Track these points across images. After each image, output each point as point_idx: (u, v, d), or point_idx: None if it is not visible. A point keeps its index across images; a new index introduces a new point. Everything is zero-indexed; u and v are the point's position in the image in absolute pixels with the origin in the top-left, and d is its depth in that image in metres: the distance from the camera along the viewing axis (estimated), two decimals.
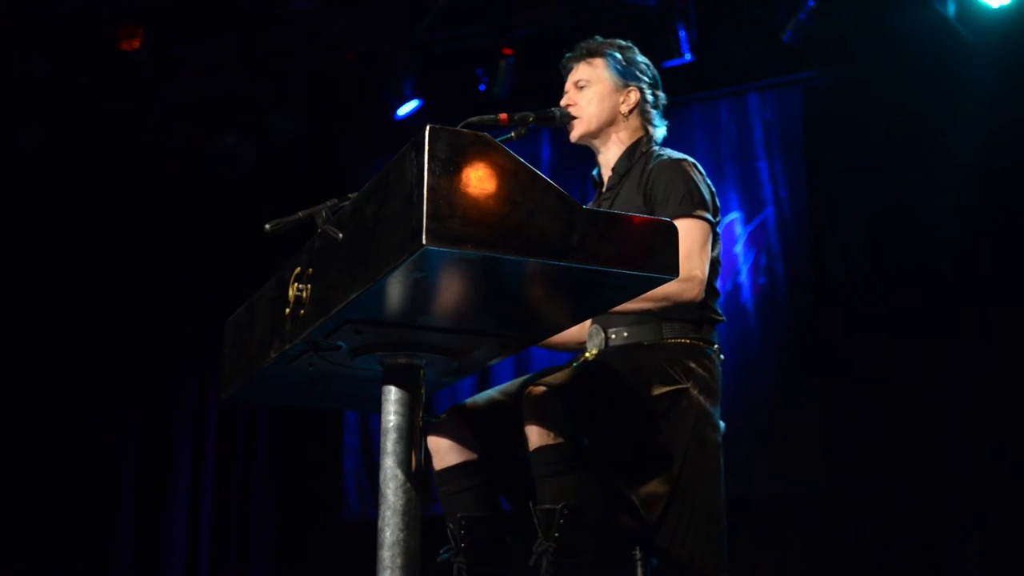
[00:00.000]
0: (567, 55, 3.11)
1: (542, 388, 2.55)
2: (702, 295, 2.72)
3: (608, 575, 2.67)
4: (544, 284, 2.00)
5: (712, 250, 2.87)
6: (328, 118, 6.92)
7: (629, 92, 3.03)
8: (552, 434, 2.51)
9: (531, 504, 2.51)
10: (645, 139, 3.04)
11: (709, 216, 2.80)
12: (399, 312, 2.08)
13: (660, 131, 3.09)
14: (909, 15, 5.60)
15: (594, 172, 3.14)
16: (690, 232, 2.70)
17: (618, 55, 3.03)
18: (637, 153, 3.00)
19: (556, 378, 2.60)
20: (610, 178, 3.04)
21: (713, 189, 2.92)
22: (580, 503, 2.47)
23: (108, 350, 7.07)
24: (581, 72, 3.05)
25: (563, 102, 3.05)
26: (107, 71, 6.37)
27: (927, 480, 5.29)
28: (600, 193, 3.09)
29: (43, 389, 6.87)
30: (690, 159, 2.93)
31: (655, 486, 2.64)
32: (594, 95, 3.01)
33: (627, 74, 3.03)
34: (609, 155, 3.05)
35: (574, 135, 3.05)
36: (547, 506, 2.47)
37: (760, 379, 5.77)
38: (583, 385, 2.63)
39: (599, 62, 3.04)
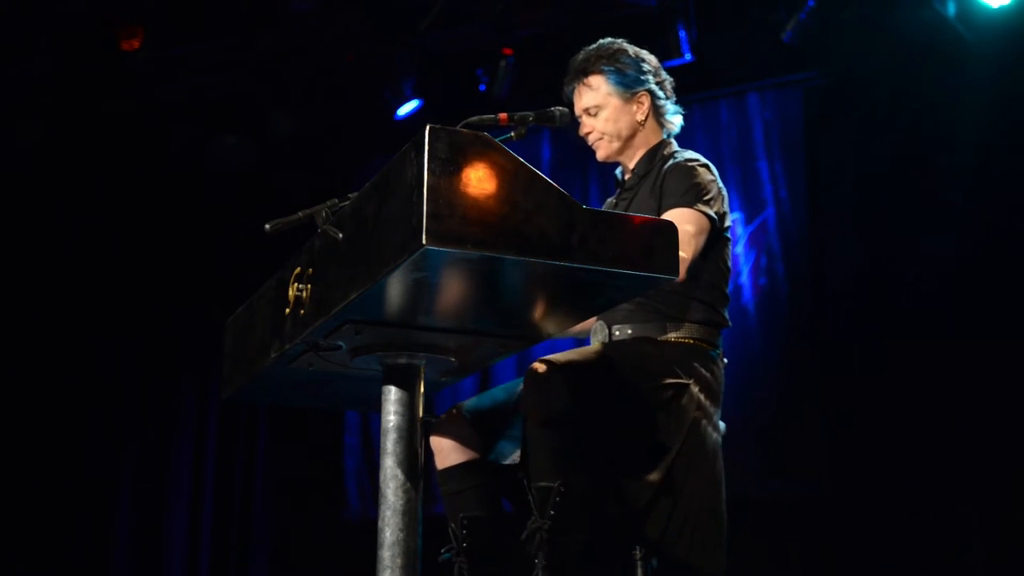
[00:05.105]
0: (565, 79, 3.04)
1: (544, 366, 2.55)
2: (684, 276, 2.64)
3: (608, 575, 2.67)
4: (544, 284, 2.00)
5: (720, 253, 2.87)
6: (328, 118, 6.92)
7: (640, 98, 2.99)
8: (551, 412, 2.51)
9: (525, 481, 2.50)
10: (666, 140, 3.03)
11: (710, 212, 2.79)
12: (399, 312, 2.08)
13: (677, 121, 3.07)
14: (909, 15, 5.60)
15: (617, 171, 3.13)
16: (683, 218, 2.69)
17: (614, 67, 2.96)
18: (658, 156, 2.98)
19: (559, 357, 2.61)
20: (629, 178, 3.03)
21: (725, 193, 2.90)
22: (575, 482, 2.47)
23: (108, 350, 7.07)
24: (586, 99, 2.99)
25: (581, 132, 3.03)
26: (107, 71, 6.36)
27: (928, 480, 5.28)
28: (619, 192, 3.08)
29: (43, 389, 6.87)
30: (703, 160, 2.91)
31: (646, 474, 2.64)
32: (608, 117, 2.98)
33: (631, 81, 2.97)
34: (635, 159, 3.04)
35: (600, 156, 3.04)
36: (543, 483, 2.47)
37: (761, 379, 5.77)
38: (585, 366, 2.63)
39: (598, 81, 2.97)
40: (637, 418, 2.70)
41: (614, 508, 2.60)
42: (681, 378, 2.73)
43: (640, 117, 3.00)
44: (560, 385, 2.53)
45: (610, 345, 2.81)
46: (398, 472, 2.22)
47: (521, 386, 2.78)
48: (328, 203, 2.34)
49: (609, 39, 3.05)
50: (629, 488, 2.61)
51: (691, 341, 2.81)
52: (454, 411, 2.85)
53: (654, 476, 2.64)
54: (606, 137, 3.00)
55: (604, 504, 2.59)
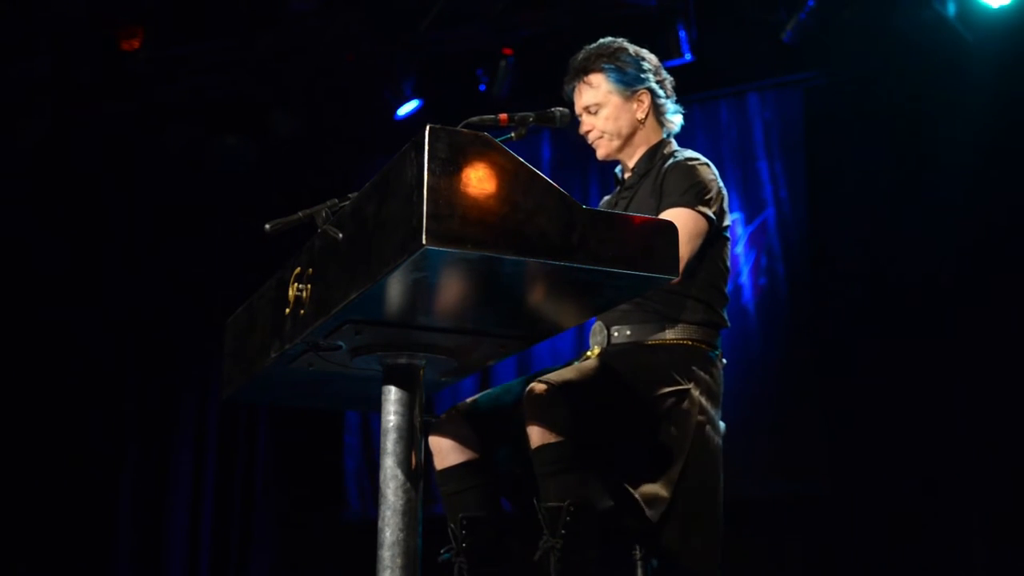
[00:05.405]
0: (565, 78, 3.04)
1: (544, 387, 2.55)
2: (680, 276, 2.66)
3: (608, 575, 2.67)
4: (544, 284, 2.00)
5: (719, 252, 2.87)
6: (328, 118, 6.92)
7: (640, 96, 2.98)
8: (554, 433, 2.51)
9: (535, 502, 2.51)
10: (666, 139, 3.03)
11: (708, 212, 2.79)
12: (399, 312, 2.08)
13: (677, 120, 3.06)
14: (909, 15, 5.60)
15: (616, 169, 3.13)
16: (680, 218, 2.67)
17: (614, 65, 2.96)
18: (658, 155, 2.97)
19: (558, 377, 2.60)
20: (629, 177, 3.02)
21: (725, 193, 2.90)
22: (584, 500, 2.48)
23: (109, 350, 7.07)
24: (586, 96, 2.99)
25: (581, 131, 3.02)
26: (107, 71, 6.36)
27: (928, 480, 5.28)
28: (619, 191, 3.07)
29: (44, 389, 6.87)
30: (703, 159, 2.90)
31: (657, 486, 2.64)
32: (608, 115, 2.97)
33: (631, 79, 2.97)
34: (634, 158, 3.03)
35: (600, 154, 3.03)
36: (552, 503, 2.47)
37: (761, 379, 5.76)
38: (585, 384, 2.63)
39: (599, 79, 2.97)
40: (641, 430, 2.70)
41: (628, 521, 2.60)
42: (680, 383, 2.73)
43: (640, 115, 2.99)
44: (561, 405, 2.53)
45: (607, 354, 2.81)
46: (398, 472, 2.22)
47: (519, 385, 2.78)
48: (328, 203, 2.34)
49: (609, 38, 3.05)
50: (641, 502, 2.61)
51: (689, 342, 2.80)
52: (453, 411, 2.85)
53: (665, 488, 2.64)
54: (606, 135, 2.99)
55: (615, 518, 2.59)
